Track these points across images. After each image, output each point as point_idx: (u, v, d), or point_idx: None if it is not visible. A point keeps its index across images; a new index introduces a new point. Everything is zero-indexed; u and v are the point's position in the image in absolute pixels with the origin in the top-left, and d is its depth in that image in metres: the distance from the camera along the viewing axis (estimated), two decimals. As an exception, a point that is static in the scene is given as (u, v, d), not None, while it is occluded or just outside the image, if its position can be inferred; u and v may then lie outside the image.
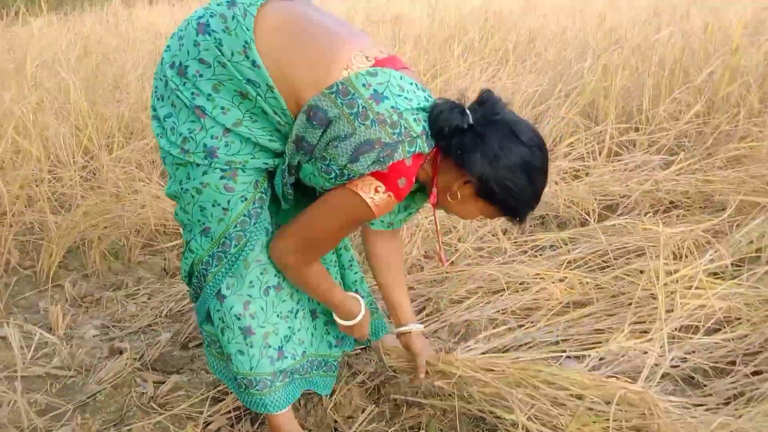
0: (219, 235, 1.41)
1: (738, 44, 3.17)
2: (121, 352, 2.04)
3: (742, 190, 2.63)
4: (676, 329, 1.96)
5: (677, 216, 2.62)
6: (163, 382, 1.88)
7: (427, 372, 1.65)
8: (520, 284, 2.29)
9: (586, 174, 2.98)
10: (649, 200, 2.75)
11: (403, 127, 1.27)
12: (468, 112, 1.32)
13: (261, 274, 1.45)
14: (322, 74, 1.28)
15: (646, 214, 2.67)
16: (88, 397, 1.83)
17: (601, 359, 1.89)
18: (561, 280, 2.25)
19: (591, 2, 5.97)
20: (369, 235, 1.68)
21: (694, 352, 1.91)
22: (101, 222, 2.67)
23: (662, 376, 1.80)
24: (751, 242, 2.30)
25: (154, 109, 1.41)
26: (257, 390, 1.49)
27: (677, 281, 2.06)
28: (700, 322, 1.96)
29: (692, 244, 2.35)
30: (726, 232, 2.45)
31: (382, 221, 1.62)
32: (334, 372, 1.71)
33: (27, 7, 5.90)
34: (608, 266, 2.33)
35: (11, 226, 2.59)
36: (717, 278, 2.14)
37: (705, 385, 1.80)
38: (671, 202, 2.74)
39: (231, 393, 1.80)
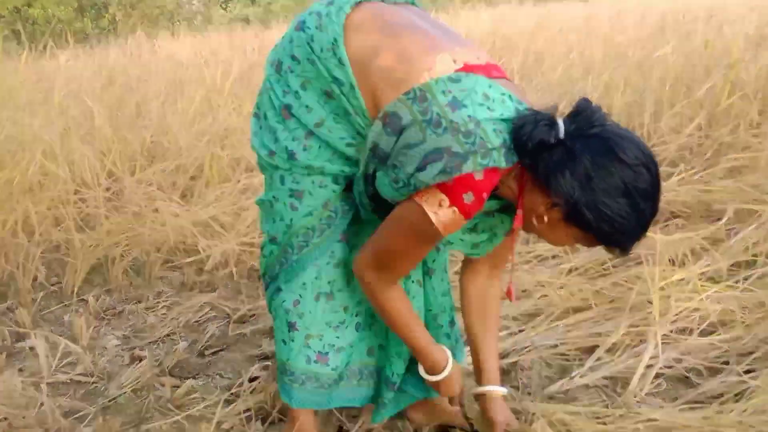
0: (283, 244, 1.47)
1: (736, 58, 3.25)
2: (141, 360, 2.15)
3: (739, 198, 2.69)
4: (671, 331, 2.03)
5: (676, 225, 2.68)
6: (179, 386, 1.99)
7: None
8: (522, 291, 2.37)
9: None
10: (649, 211, 2.82)
11: (478, 137, 1.15)
12: (559, 124, 1.15)
13: (315, 278, 1.47)
14: (402, 75, 1.24)
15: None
16: (110, 401, 1.94)
17: (598, 359, 1.96)
18: (561, 288, 2.33)
19: (599, 24, 6.08)
20: (466, 272, 1.56)
21: (689, 353, 1.97)
22: (123, 240, 2.81)
23: (656, 376, 1.87)
24: (747, 248, 2.36)
25: (257, 107, 1.45)
26: (289, 379, 1.54)
27: (672, 285, 2.13)
28: (694, 324, 2.03)
29: (689, 251, 2.42)
30: (724, 239, 2.52)
31: (462, 240, 1.44)
32: (382, 405, 1.64)
33: (54, 41, 6.17)
34: (608, 273, 2.41)
35: (39, 244, 2.74)
36: (713, 283, 2.21)
37: (698, 384, 1.85)
38: (671, 212, 2.81)
39: (242, 395, 1.90)
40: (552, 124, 1.14)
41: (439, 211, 1.19)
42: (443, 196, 1.18)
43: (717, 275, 2.29)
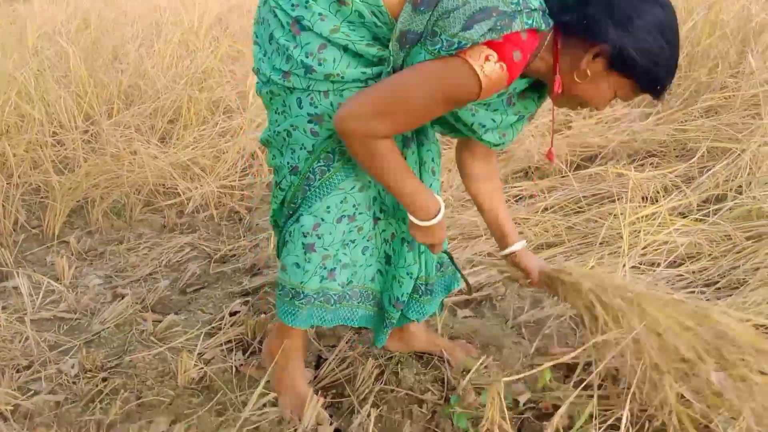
0: (305, 171, 1.44)
1: (716, -1, 3.24)
2: (123, 297, 2.19)
3: (714, 137, 2.73)
4: (640, 264, 2.09)
5: (651, 164, 2.72)
6: (161, 321, 2.04)
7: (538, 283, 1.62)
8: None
9: (569, 128, 3.09)
10: (626, 150, 2.85)
11: None
12: None
13: (341, 202, 1.45)
14: None
15: (622, 163, 2.78)
16: (93, 335, 1.98)
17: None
18: (536, 225, 2.38)
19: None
20: (464, 155, 1.61)
21: (656, 284, 2.03)
22: (102, 182, 2.81)
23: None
24: (717, 185, 2.41)
25: (256, 36, 1.43)
26: (301, 302, 1.52)
27: (643, 220, 2.18)
28: (662, 257, 2.09)
29: (662, 188, 2.47)
30: (696, 177, 2.56)
31: (494, 121, 1.41)
32: (385, 327, 1.63)
33: (28, -16, 5.98)
34: (581, 211, 2.45)
35: (18, 187, 2.73)
36: (683, 218, 2.26)
37: (663, 313, 1.92)
38: (647, 152, 2.85)
39: (223, 329, 1.95)
40: None
41: (486, 65, 1.19)
42: (491, 52, 1.18)
43: (687, 210, 2.34)
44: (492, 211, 1.63)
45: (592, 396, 1.43)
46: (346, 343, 1.85)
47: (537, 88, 1.41)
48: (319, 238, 1.47)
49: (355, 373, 1.74)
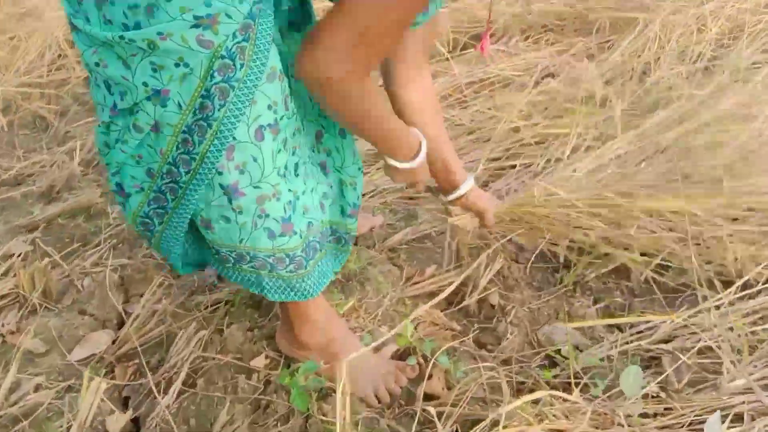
0: (192, 100, 0.88)
1: None
2: None
3: (617, 7, 2.35)
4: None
5: (547, 41, 2.32)
6: None
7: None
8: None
9: (453, 0, 2.61)
10: (519, 25, 2.42)
11: None
12: None
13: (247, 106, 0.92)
14: None
15: (515, 39, 2.36)
16: None
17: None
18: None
19: None
20: (398, 76, 1.21)
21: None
22: None
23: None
24: (624, 61, 2.05)
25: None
26: (250, 267, 1.06)
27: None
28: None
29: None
30: (596, 54, 2.19)
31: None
32: (346, 247, 1.25)
33: None
34: (466, 102, 2.04)
35: None
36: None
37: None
38: (543, 26, 2.43)
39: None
40: None
41: None
42: None
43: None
44: (433, 143, 1.25)
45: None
46: (159, 287, 1.39)
47: None
48: (242, 172, 0.94)
49: (169, 332, 1.30)
